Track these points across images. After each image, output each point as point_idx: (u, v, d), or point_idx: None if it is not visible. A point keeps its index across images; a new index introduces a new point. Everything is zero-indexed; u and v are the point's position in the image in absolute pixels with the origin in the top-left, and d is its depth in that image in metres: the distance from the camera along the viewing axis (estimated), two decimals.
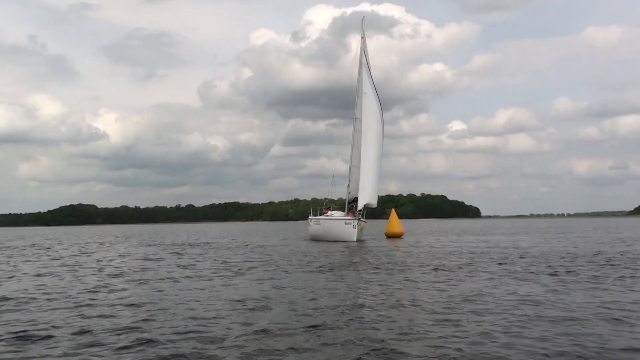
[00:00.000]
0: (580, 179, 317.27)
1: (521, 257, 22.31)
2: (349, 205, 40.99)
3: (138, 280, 16.33)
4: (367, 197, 39.06)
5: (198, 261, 23.27)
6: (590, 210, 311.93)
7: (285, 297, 12.53)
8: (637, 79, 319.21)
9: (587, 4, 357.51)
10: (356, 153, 41.48)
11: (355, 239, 36.70)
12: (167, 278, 16.66)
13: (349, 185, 41.73)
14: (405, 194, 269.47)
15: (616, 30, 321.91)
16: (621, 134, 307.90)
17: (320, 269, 18.77)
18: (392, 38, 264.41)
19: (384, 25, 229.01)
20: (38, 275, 18.18)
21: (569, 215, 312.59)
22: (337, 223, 38.46)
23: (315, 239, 39.83)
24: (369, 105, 40.03)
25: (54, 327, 9.56)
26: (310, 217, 42.48)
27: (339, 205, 43.90)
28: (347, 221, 37.73)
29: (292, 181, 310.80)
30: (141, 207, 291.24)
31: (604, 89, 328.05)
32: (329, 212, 40.77)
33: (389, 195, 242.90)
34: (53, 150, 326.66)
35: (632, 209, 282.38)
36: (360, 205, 38.76)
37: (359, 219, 37.77)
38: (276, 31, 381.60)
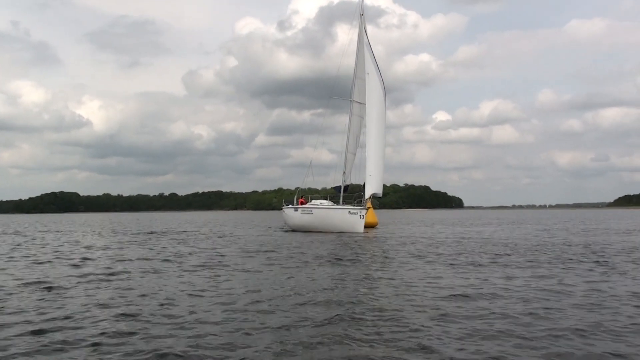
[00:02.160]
0: (563, 170, 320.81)
1: (467, 249, 22.58)
2: (344, 194, 38.25)
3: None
4: (374, 186, 36.49)
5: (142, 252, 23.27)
6: (571, 202, 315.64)
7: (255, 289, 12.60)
8: (619, 72, 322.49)
9: None
10: (352, 138, 39.03)
11: (362, 230, 34.53)
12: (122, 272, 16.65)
13: (344, 173, 38.90)
14: (389, 184, 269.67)
15: (600, 23, 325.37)
16: (603, 127, 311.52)
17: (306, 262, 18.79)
18: (379, 28, 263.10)
19: (371, 15, 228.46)
20: None
21: (550, 206, 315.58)
22: (337, 213, 35.66)
23: (301, 230, 36.63)
24: (372, 87, 36.88)
25: None
26: (290, 205, 38.98)
27: (322, 194, 40.77)
28: (352, 211, 34.99)
29: (277, 171, 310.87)
30: (124, 195, 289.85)
31: (587, 82, 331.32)
32: (317, 201, 37.63)
33: None
34: (35, 137, 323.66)
35: (612, 200, 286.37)
36: (367, 195, 36.22)
37: (367, 209, 35.65)
38: (262, 20, 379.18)
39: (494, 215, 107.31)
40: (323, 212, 36.31)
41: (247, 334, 7.87)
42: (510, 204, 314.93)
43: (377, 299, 10.41)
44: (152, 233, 37.93)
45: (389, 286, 12.01)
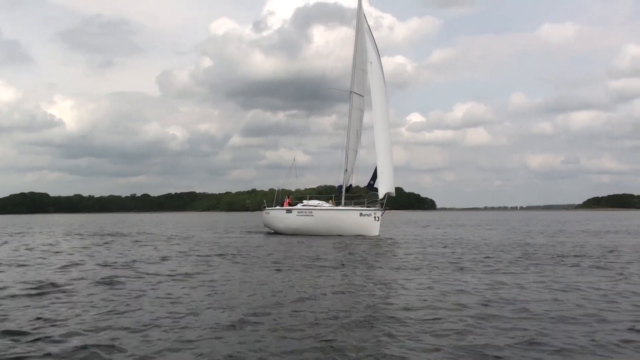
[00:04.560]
0: (534, 172, 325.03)
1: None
2: (346, 194, 35.32)
3: None
4: (387, 184, 33.22)
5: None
6: (542, 204, 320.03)
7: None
8: (589, 76, 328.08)
9: (543, 1, 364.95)
10: (353, 134, 36.20)
11: (377, 233, 32.22)
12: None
13: (346, 171, 35.78)
14: (362, 186, 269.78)
15: (571, 27, 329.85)
16: (574, 130, 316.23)
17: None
18: (354, 30, 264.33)
19: (347, 17, 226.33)
20: None
21: (521, 208, 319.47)
22: (346, 215, 33.08)
23: (295, 233, 33.82)
24: (375, 78, 33.87)
25: None
26: (277, 207, 36.32)
27: (295, 196, 38.56)
28: (365, 212, 32.59)
29: (251, 172, 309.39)
30: (95, 196, 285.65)
31: (558, 85, 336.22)
32: (314, 202, 35.24)
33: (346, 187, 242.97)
34: (5, 137, 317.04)
35: (581, 202, 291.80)
36: (381, 194, 32.91)
37: (384, 209, 32.87)
38: (237, 21, 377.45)
39: (468, 217, 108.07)
40: (327, 213, 33.76)
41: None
42: (482, 206, 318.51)
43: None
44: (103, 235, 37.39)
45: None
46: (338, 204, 34.97)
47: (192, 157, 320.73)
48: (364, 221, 32.42)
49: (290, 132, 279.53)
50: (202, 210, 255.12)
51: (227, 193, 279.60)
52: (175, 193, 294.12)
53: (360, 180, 36.78)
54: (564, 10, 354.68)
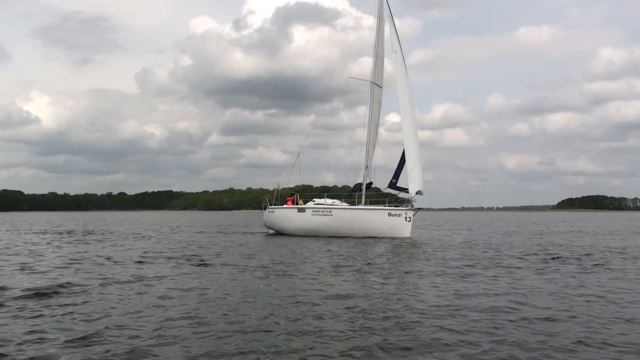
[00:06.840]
0: (510, 173, 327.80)
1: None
2: (367, 192, 33.43)
3: None
4: (418, 181, 31.59)
5: None
6: (518, 204, 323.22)
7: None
8: (566, 78, 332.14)
9: (521, 4, 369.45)
10: (373, 128, 34.49)
11: (409, 234, 30.65)
12: None
13: (367, 167, 33.87)
14: (340, 185, 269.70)
15: (547, 31, 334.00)
16: (550, 131, 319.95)
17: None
18: (336, 30, 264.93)
19: (327, 17, 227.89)
20: None
21: (498, 208, 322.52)
22: (372, 214, 31.27)
23: (307, 234, 31.73)
24: (400, 68, 32.82)
25: None
26: (284, 205, 34.03)
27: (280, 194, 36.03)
28: (394, 212, 30.76)
29: (229, 171, 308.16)
30: (71, 194, 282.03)
31: (535, 87, 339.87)
32: (329, 201, 32.92)
33: (324, 187, 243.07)
34: None
35: (556, 203, 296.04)
36: (412, 192, 31.34)
37: (416, 210, 31.41)
38: (217, 19, 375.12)
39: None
40: (350, 213, 31.75)
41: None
42: (459, 206, 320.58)
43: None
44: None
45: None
46: (357, 202, 32.92)
47: (170, 156, 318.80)
48: (393, 222, 30.73)
49: (269, 131, 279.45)
50: (179, 209, 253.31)
51: (205, 192, 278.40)
52: (153, 192, 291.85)
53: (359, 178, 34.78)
54: (541, 13, 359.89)
